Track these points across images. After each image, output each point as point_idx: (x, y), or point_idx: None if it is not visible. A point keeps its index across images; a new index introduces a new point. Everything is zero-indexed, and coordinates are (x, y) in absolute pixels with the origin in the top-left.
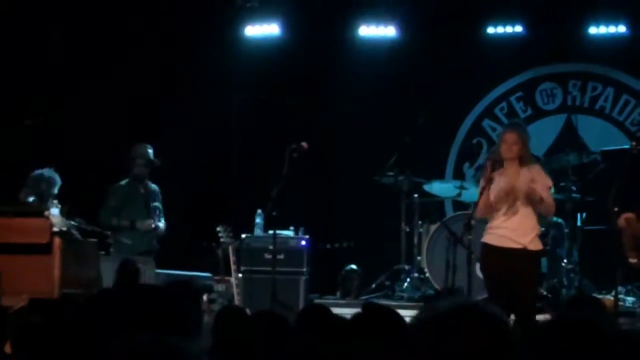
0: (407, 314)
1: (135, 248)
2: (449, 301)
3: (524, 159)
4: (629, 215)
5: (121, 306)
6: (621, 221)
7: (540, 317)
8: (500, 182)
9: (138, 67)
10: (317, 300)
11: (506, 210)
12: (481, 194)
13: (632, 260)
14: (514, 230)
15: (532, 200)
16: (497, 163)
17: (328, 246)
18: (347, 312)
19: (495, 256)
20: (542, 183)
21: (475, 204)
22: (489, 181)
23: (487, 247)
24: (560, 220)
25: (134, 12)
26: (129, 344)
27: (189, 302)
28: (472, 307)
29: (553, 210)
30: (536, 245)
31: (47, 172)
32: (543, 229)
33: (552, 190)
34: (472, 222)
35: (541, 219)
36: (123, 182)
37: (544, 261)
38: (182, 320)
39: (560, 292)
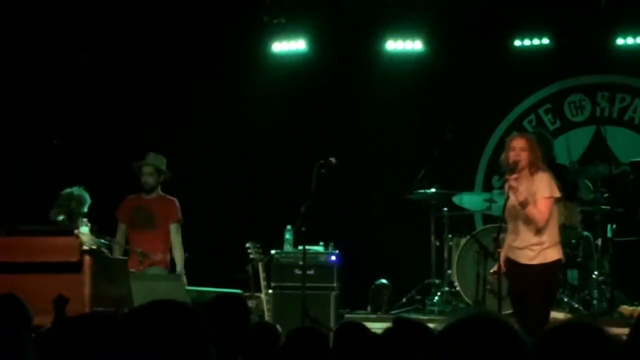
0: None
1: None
2: (464, 313)
3: (534, 166)
4: None
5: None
6: None
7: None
8: (511, 198)
9: (165, 84)
10: (347, 315)
11: (512, 228)
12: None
13: None
14: (521, 249)
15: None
16: (509, 171)
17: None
18: (377, 326)
19: (512, 269)
20: (540, 194)
21: (503, 217)
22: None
23: (508, 261)
24: (588, 233)
25: (160, 29)
26: None
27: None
28: (487, 319)
29: (539, 223)
30: (545, 258)
31: (76, 190)
32: (573, 241)
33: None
34: (502, 235)
35: (571, 230)
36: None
37: (574, 274)
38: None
39: (591, 304)
